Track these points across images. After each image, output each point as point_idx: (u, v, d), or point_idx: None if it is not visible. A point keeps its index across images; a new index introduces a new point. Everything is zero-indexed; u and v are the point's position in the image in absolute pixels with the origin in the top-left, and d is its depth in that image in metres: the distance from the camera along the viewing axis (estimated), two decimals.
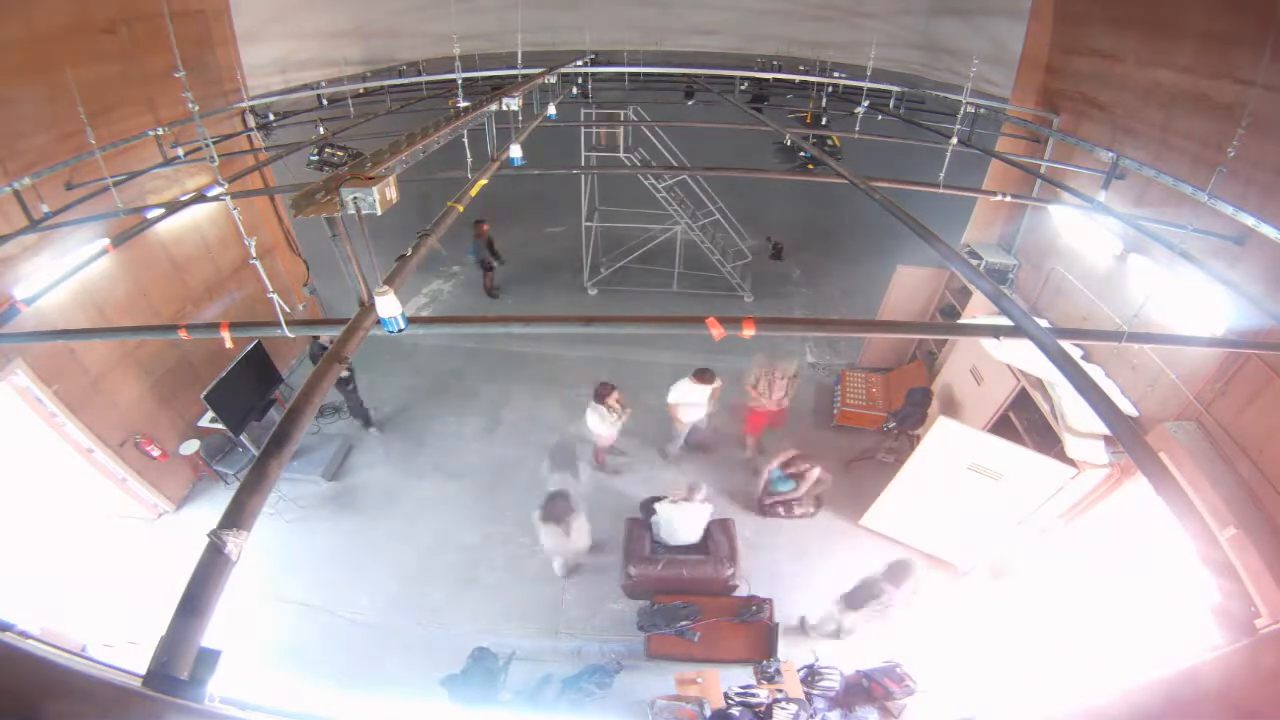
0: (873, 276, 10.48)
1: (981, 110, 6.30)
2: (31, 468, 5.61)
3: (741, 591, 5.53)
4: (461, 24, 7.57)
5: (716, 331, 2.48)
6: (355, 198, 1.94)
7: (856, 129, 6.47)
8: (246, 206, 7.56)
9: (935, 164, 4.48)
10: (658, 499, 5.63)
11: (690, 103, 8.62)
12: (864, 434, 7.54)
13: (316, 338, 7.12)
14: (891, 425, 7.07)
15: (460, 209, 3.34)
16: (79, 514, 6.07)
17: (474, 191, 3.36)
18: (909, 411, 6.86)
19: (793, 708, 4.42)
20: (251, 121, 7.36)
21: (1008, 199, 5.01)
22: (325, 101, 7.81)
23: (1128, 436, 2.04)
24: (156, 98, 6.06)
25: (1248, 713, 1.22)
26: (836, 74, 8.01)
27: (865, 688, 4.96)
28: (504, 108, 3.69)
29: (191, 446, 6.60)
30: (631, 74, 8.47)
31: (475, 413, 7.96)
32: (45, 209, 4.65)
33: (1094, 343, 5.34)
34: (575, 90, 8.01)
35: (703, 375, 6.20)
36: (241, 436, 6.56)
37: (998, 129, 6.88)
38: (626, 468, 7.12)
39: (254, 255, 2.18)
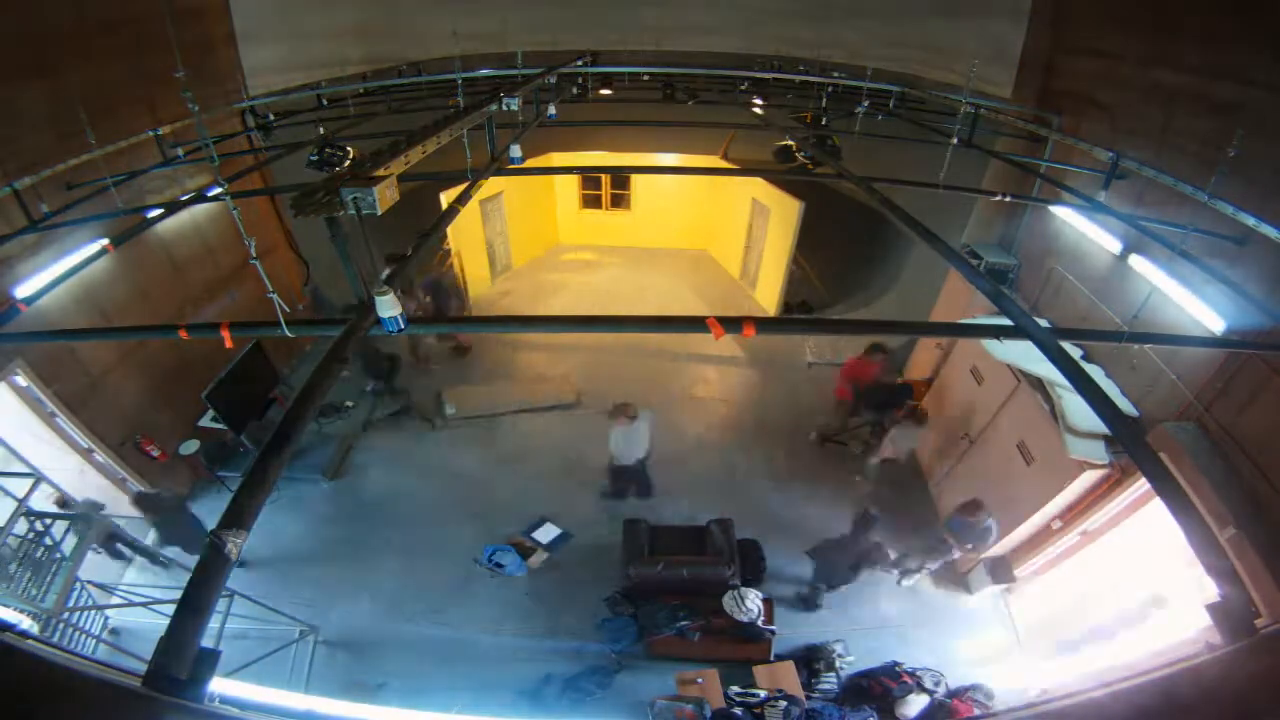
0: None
1: (982, 110, 6.29)
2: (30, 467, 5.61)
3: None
4: (461, 24, 7.53)
5: (717, 331, 2.48)
6: (355, 198, 1.94)
7: (856, 129, 6.47)
8: (246, 206, 7.56)
9: (935, 164, 4.48)
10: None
11: (690, 103, 8.61)
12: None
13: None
14: (869, 419, 7.07)
15: (461, 209, 3.35)
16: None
17: (474, 192, 3.37)
18: (886, 399, 6.85)
19: (782, 704, 4.44)
20: (251, 121, 7.36)
21: (1008, 199, 5.01)
22: (325, 101, 7.80)
23: (1128, 437, 2.04)
24: (156, 98, 6.06)
25: (1248, 713, 1.22)
26: (836, 74, 8.00)
27: (864, 687, 4.98)
28: (504, 108, 3.69)
29: (191, 447, 6.60)
30: (632, 74, 8.47)
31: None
32: (45, 209, 4.65)
33: (1094, 343, 5.34)
34: (575, 90, 8.01)
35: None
36: (241, 436, 6.57)
37: (998, 129, 6.87)
38: None
39: (254, 255, 2.17)
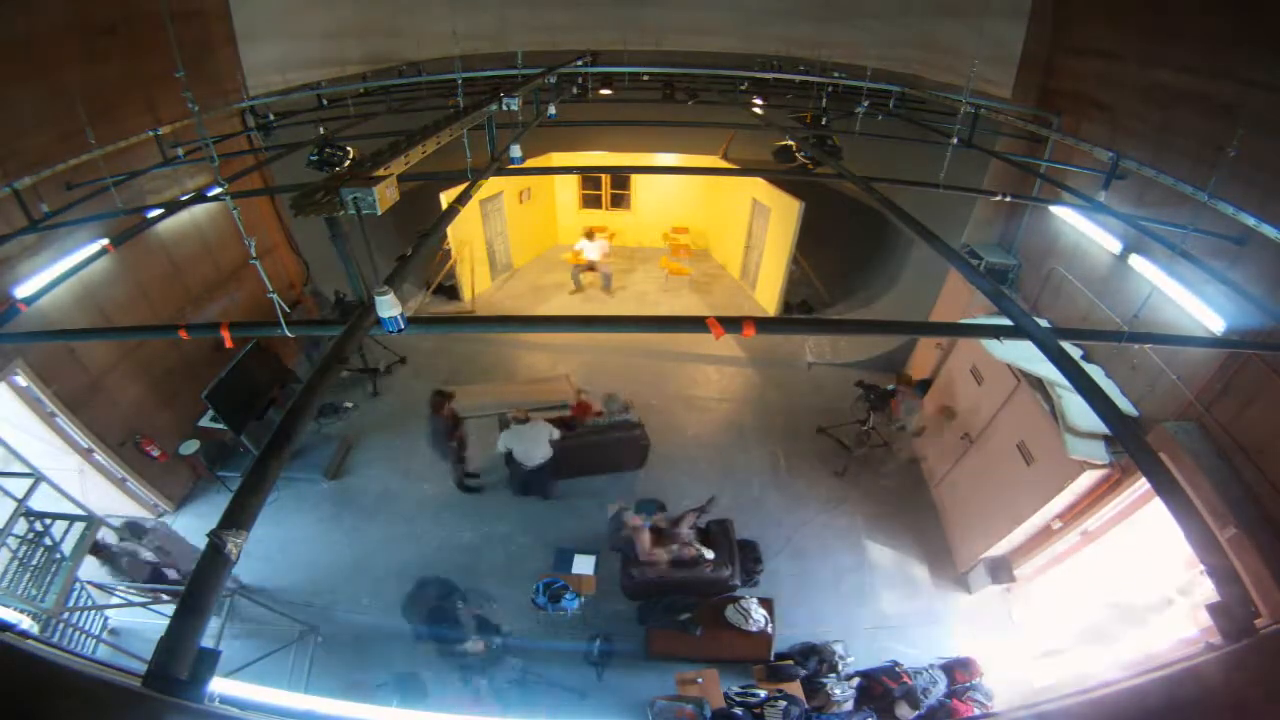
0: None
1: (982, 110, 6.29)
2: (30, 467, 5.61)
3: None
4: (461, 24, 7.54)
5: (717, 331, 2.47)
6: (355, 198, 1.94)
7: (856, 129, 6.47)
8: (246, 206, 7.56)
9: (935, 164, 4.48)
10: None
11: (690, 103, 8.62)
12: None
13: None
14: (868, 425, 7.11)
15: (461, 209, 3.35)
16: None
17: (474, 192, 3.37)
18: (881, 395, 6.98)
19: (782, 704, 4.44)
20: (251, 121, 7.36)
21: (1008, 199, 5.00)
22: (325, 101, 7.80)
23: (1128, 437, 2.04)
24: (156, 98, 6.06)
25: (1248, 713, 1.22)
26: (836, 74, 8.00)
27: (864, 687, 4.97)
28: (504, 108, 3.69)
29: (191, 447, 6.60)
30: (632, 74, 8.48)
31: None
32: (45, 209, 4.65)
33: (1094, 343, 5.34)
34: (575, 90, 8.02)
35: None
36: (241, 436, 6.56)
37: (998, 129, 6.87)
38: None
39: (254, 255, 2.17)
